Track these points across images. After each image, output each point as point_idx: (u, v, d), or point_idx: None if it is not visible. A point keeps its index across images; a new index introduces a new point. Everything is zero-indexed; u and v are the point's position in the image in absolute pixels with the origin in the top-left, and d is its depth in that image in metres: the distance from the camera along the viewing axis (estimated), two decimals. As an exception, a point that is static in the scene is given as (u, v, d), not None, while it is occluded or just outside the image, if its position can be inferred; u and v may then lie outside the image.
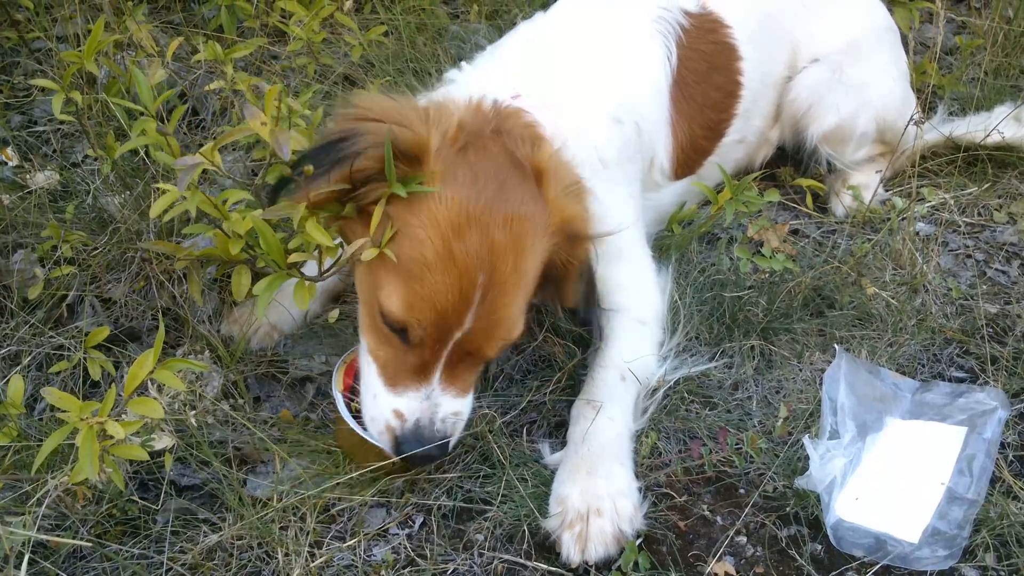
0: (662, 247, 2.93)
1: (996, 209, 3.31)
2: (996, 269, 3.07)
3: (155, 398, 2.06)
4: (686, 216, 3.02)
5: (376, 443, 2.18)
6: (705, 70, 2.99)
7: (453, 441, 2.19)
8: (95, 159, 2.88)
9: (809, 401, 2.50)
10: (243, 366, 2.55)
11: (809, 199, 3.28)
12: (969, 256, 3.12)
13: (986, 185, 3.34)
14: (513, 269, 2.08)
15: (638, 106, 2.72)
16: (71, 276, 2.61)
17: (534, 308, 2.66)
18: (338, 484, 2.22)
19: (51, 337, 2.49)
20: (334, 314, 2.68)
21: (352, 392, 2.32)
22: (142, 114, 2.28)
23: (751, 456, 2.33)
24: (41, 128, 3.31)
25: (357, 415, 2.26)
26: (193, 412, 2.14)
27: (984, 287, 2.94)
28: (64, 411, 1.89)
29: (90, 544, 2.05)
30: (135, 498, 2.16)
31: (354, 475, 2.23)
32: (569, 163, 2.28)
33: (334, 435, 2.36)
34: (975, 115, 3.46)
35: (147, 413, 1.93)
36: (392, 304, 2.06)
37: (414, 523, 2.22)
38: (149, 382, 2.16)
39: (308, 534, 2.13)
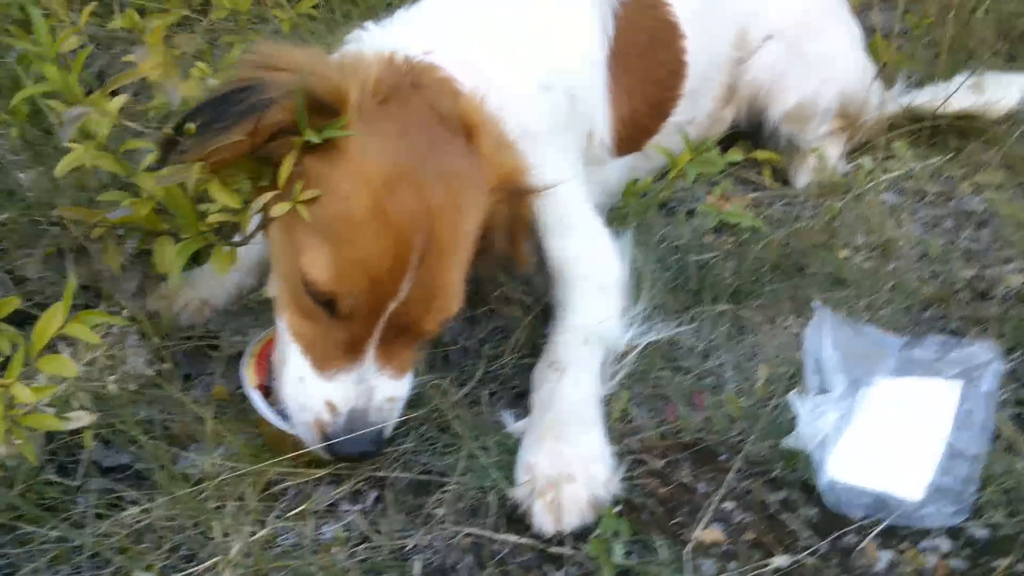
0: (618, 217, 2.76)
1: (961, 180, 3.20)
2: (967, 237, 2.95)
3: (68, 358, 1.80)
4: (642, 188, 2.86)
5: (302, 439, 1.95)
6: (646, 44, 2.83)
7: (388, 430, 1.96)
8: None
9: (788, 364, 2.33)
10: (171, 342, 2.31)
11: (767, 172, 3.16)
12: (937, 225, 2.99)
13: (949, 155, 3.23)
14: (452, 230, 1.88)
15: (570, 73, 2.51)
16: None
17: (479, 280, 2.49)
18: (280, 460, 1.99)
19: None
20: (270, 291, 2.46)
21: (269, 381, 2.08)
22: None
23: (732, 416, 2.14)
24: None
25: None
26: (112, 377, 1.89)
27: (957, 253, 2.82)
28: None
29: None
30: (53, 477, 1.92)
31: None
32: (496, 115, 2.07)
33: (257, 424, 2.11)
34: (934, 85, 3.37)
35: (58, 372, 1.71)
36: (318, 271, 1.82)
37: (367, 498, 2.00)
38: (62, 343, 1.92)
39: (249, 513, 1.89)
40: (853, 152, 3.30)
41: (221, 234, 2.11)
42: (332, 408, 1.88)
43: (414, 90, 1.98)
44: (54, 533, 1.82)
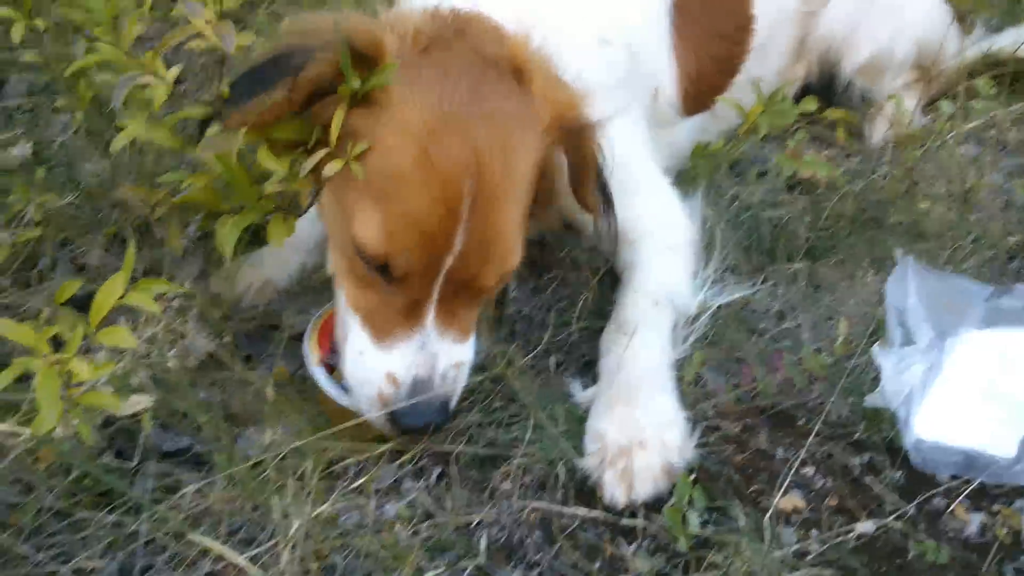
0: (687, 179, 2.65)
1: (1045, 128, 3.04)
2: (1053, 185, 2.79)
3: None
4: (713, 150, 2.74)
5: (366, 415, 1.88)
6: None
7: (455, 399, 1.89)
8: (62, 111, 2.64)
9: (869, 321, 2.21)
10: (232, 322, 2.27)
11: (841, 131, 3.01)
12: (1022, 174, 2.83)
13: (1032, 102, 3.07)
14: (504, 172, 1.78)
15: (629, 26, 2.41)
16: (42, 238, 2.34)
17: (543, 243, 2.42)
18: (341, 436, 1.94)
19: (20, 298, 2.23)
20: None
21: (332, 358, 2.02)
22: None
23: (812, 376, 2.03)
24: (13, 102, 3.04)
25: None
26: (172, 352, 1.85)
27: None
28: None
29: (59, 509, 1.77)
30: (110, 462, 1.89)
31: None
32: (547, 56, 1.98)
33: (319, 402, 2.05)
34: (1015, 27, 3.20)
35: (118, 343, 1.67)
36: (368, 233, 1.75)
37: (430, 475, 1.94)
38: (122, 321, 1.89)
39: (310, 493, 1.84)
40: (930, 104, 3.15)
41: (282, 208, 2.09)
42: (393, 380, 1.81)
43: (458, 37, 1.91)
44: (110, 518, 1.79)
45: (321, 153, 1.78)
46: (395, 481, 1.92)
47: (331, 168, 1.77)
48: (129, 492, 1.84)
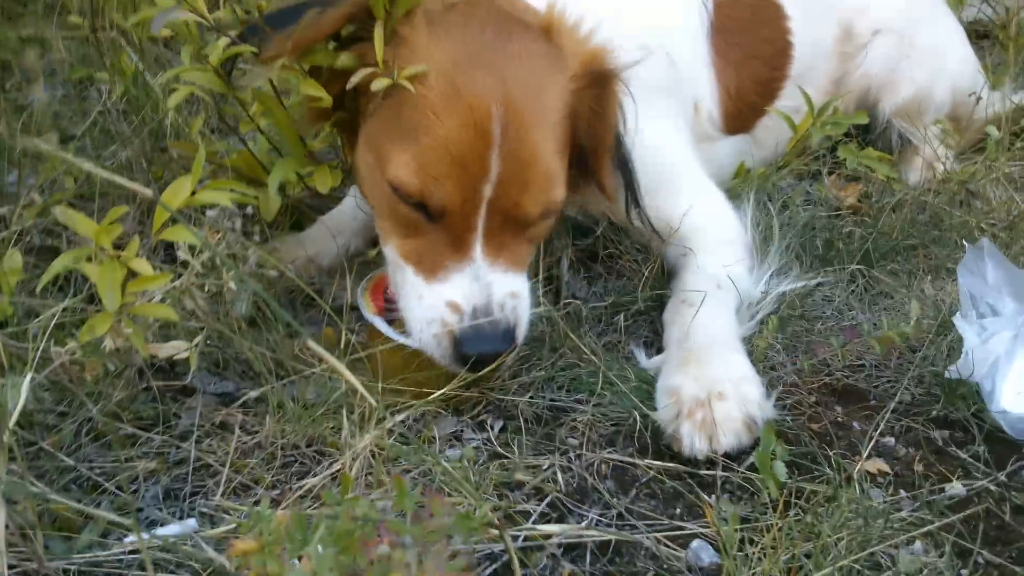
0: (732, 195, 2.61)
1: (1079, 178, 3.04)
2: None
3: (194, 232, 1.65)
4: (759, 173, 2.72)
5: (428, 352, 1.79)
6: (749, 19, 2.77)
7: (521, 332, 1.81)
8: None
9: (934, 318, 2.14)
10: (273, 289, 2.18)
11: (880, 169, 3.01)
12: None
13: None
14: (533, 102, 1.77)
15: (668, 37, 2.42)
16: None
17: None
18: (403, 379, 1.83)
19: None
20: (374, 252, 2.34)
21: (388, 311, 1.94)
22: None
23: (895, 341, 1.94)
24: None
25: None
26: (231, 273, 1.75)
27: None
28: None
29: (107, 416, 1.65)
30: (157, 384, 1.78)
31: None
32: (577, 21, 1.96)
33: (370, 363, 1.92)
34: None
35: (186, 239, 1.59)
36: (403, 171, 1.74)
37: (493, 428, 1.83)
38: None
39: (367, 432, 1.72)
40: (961, 154, 3.16)
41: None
42: (455, 308, 1.75)
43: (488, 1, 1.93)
44: (159, 437, 1.67)
45: (367, 70, 1.76)
46: (456, 432, 1.81)
47: (378, 84, 1.74)
48: (176, 420, 1.74)
